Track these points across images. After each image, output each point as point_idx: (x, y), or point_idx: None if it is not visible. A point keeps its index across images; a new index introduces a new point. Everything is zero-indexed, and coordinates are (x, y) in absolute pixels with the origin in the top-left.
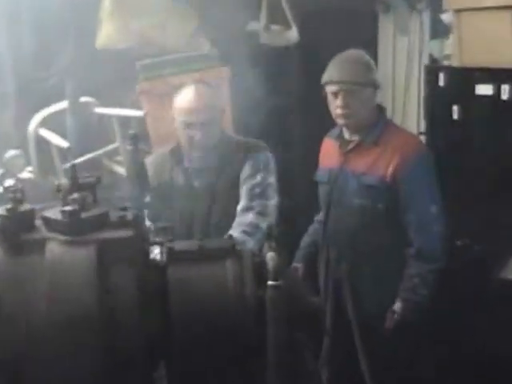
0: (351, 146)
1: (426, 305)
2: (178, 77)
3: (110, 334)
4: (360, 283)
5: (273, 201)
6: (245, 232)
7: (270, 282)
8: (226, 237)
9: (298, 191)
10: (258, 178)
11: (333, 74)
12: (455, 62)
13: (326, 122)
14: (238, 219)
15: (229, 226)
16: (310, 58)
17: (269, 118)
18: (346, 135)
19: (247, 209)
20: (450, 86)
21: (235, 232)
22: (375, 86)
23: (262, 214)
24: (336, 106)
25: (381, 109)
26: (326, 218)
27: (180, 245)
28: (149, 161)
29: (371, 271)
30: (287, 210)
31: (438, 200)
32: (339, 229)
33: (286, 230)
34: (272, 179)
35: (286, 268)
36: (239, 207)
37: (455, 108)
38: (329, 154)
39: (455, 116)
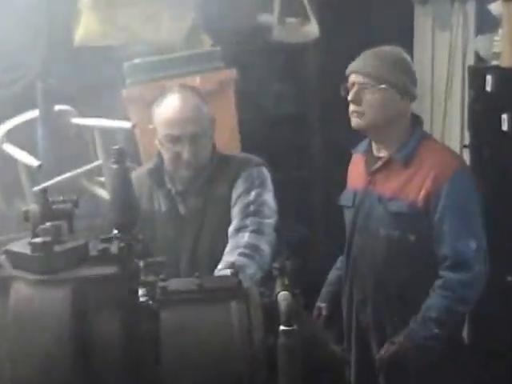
0: (379, 164)
1: (437, 349)
2: (174, 81)
3: None
4: (387, 329)
5: (270, 220)
6: (243, 254)
7: (282, 328)
8: (224, 265)
9: (315, 217)
10: (252, 195)
11: (354, 64)
12: (505, 62)
13: (352, 134)
14: (231, 241)
15: (220, 254)
16: (331, 58)
17: (282, 129)
18: (374, 150)
19: (240, 228)
20: (500, 91)
21: (231, 256)
22: (402, 89)
23: (257, 232)
24: (349, 99)
25: (416, 121)
26: (348, 249)
27: (175, 284)
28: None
29: (400, 315)
30: (301, 239)
31: (480, 234)
32: (363, 263)
33: (300, 263)
34: (268, 196)
35: (301, 310)
36: (231, 228)
37: (505, 117)
38: (356, 172)
39: (505, 126)
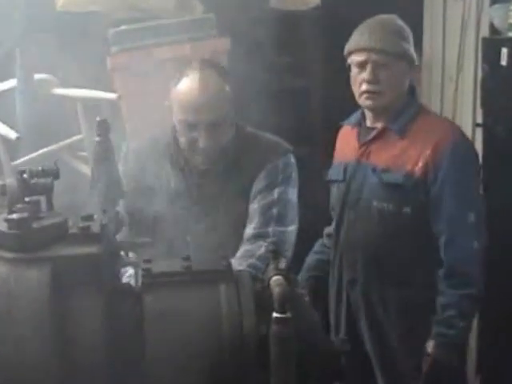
0: (372, 134)
1: (465, 341)
2: (163, 49)
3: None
4: (380, 312)
5: (293, 226)
6: (253, 267)
7: (275, 315)
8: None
9: (312, 197)
10: (276, 192)
11: (360, 40)
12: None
13: (356, 109)
14: (245, 247)
15: (230, 246)
16: (333, 27)
17: (279, 103)
18: (368, 121)
19: (259, 236)
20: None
21: (240, 265)
22: (410, 60)
23: (277, 244)
24: (362, 81)
25: (411, 90)
26: (338, 226)
27: (160, 265)
28: (131, 149)
29: (395, 297)
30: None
31: (479, 206)
32: (354, 240)
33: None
34: (292, 195)
35: (296, 296)
36: (248, 231)
37: (504, 51)
38: (346, 144)
39: (504, 62)
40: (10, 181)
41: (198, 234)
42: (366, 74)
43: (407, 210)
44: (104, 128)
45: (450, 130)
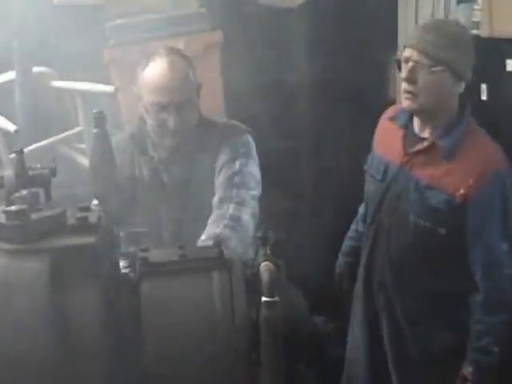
0: (419, 147)
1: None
2: (158, 42)
3: (66, 374)
4: (403, 323)
5: (254, 191)
6: (228, 227)
7: (264, 299)
8: (207, 236)
9: (302, 189)
10: (237, 165)
11: (411, 36)
12: (484, 32)
13: (342, 103)
14: (215, 212)
15: (204, 224)
16: (320, 23)
17: (269, 96)
18: (416, 127)
19: (224, 200)
20: (478, 61)
21: (216, 228)
22: (457, 71)
23: (241, 204)
24: (401, 79)
25: (464, 105)
26: (372, 224)
27: (156, 255)
28: None
29: (420, 313)
30: (288, 211)
31: (509, 234)
32: (386, 245)
33: (286, 235)
34: (253, 166)
35: (284, 282)
36: (215, 199)
37: (484, 87)
38: (388, 141)
39: (484, 96)
40: (8, 172)
41: (173, 218)
42: (403, 73)
43: (442, 230)
44: (101, 120)
45: (493, 158)
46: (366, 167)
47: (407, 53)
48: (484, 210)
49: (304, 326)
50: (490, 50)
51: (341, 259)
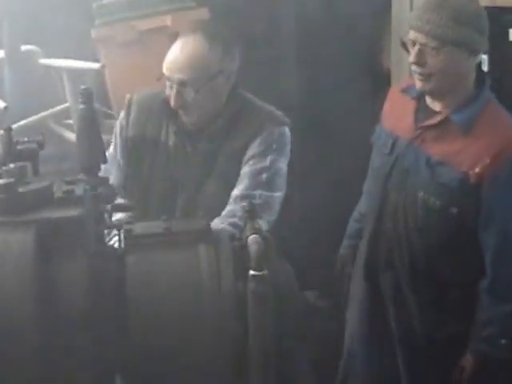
0: (432, 121)
1: (506, 357)
2: (145, 21)
3: (52, 345)
4: (411, 302)
5: (279, 193)
6: (234, 225)
7: (252, 272)
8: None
9: (294, 164)
10: (268, 160)
11: (414, 18)
12: (485, 1)
13: (328, 76)
14: (231, 206)
15: (219, 207)
16: None
17: (256, 72)
18: (429, 100)
19: (246, 198)
20: None
21: (222, 223)
22: (469, 47)
23: (263, 208)
24: (410, 62)
25: (482, 79)
26: (377, 201)
27: (141, 227)
28: (135, 100)
29: (424, 289)
30: None
31: None
32: (393, 222)
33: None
34: (283, 164)
35: (273, 255)
36: (237, 191)
37: (484, 57)
38: (397, 113)
39: (484, 67)
40: None
41: (188, 195)
42: (412, 56)
43: (454, 210)
44: (87, 96)
45: None
46: (372, 139)
47: (412, 35)
48: (499, 192)
49: (294, 300)
50: (492, 19)
51: (345, 242)
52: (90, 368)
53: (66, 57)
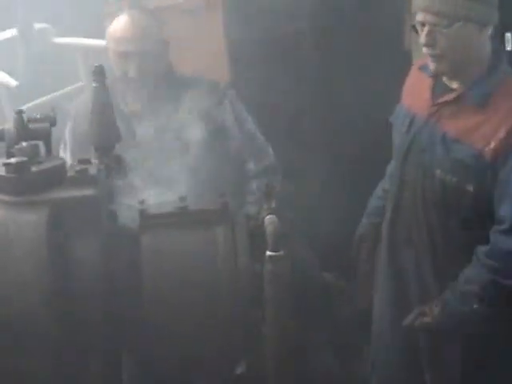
0: (448, 97)
1: (478, 327)
2: None
3: (66, 324)
4: (427, 276)
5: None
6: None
7: (269, 253)
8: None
9: (311, 140)
10: (250, 121)
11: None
12: None
13: (355, 52)
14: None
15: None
16: None
17: (278, 50)
18: (445, 78)
19: (260, 174)
20: (501, 8)
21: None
22: (480, 20)
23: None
24: (421, 43)
25: (499, 54)
26: (396, 178)
27: (157, 207)
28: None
29: (442, 265)
30: (298, 163)
31: None
32: (411, 200)
33: (294, 188)
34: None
35: (290, 236)
36: (252, 166)
37: (509, 36)
38: (415, 91)
39: (509, 46)
40: (9, 125)
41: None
42: (422, 38)
43: (470, 187)
44: (100, 74)
45: None
46: (391, 119)
47: (420, 17)
48: None
49: (313, 282)
50: None
51: (365, 220)
52: (101, 345)
53: (79, 35)
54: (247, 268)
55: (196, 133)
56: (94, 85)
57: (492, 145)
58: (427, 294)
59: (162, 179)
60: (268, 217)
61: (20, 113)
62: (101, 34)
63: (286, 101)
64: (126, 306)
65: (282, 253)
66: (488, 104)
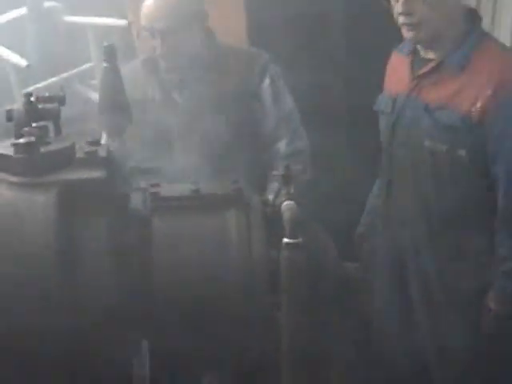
0: (426, 68)
1: None
2: None
3: (74, 308)
4: (425, 257)
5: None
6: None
7: (285, 240)
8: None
9: (337, 124)
10: (288, 99)
11: None
12: None
13: (380, 32)
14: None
15: (220, 150)
16: None
17: (301, 28)
18: (421, 51)
19: (295, 152)
20: None
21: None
22: None
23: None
24: (397, 13)
25: (473, 16)
26: (386, 161)
27: (168, 190)
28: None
29: (446, 243)
30: (319, 149)
31: None
32: (403, 178)
33: (318, 176)
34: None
35: (308, 223)
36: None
37: None
38: (396, 74)
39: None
40: (17, 105)
41: (185, 143)
42: (399, 7)
43: (462, 152)
44: (111, 53)
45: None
46: (375, 107)
47: None
48: (505, 121)
49: (332, 270)
50: None
51: (364, 219)
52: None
53: (90, 14)
54: (262, 254)
55: (233, 105)
56: (104, 65)
57: (479, 104)
58: (424, 269)
59: (198, 147)
60: (286, 203)
61: (28, 95)
62: (112, 13)
63: (310, 80)
64: (137, 289)
65: (299, 240)
66: (468, 67)
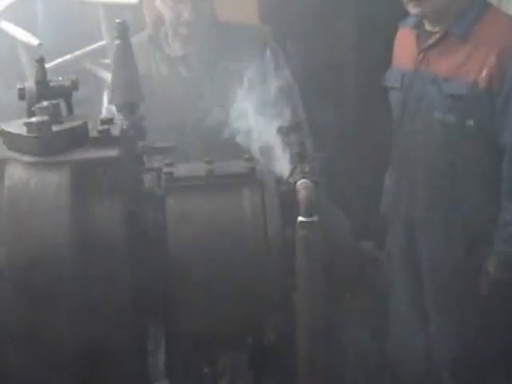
0: (432, 40)
1: None
2: None
3: (87, 287)
4: (440, 229)
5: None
6: None
7: (300, 218)
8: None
9: (350, 105)
10: (288, 75)
11: None
12: None
13: (391, 7)
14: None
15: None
16: None
17: (313, 4)
18: (427, 23)
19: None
20: None
21: None
22: None
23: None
24: None
25: None
26: (397, 135)
27: (182, 169)
28: None
29: (456, 214)
30: (333, 131)
31: None
32: (414, 150)
33: (332, 156)
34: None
35: (324, 201)
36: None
37: None
38: (403, 49)
39: None
40: (29, 83)
41: (192, 117)
42: None
43: (470, 122)
44: (123, 31)
45: None
46: (384, 82)
47: None
48: (511, 89)
49: (347, 249)
50: None
51: (384, 199)
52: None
53: None
54: (277, 233)
55: (238, 81)
56: (116, 42)
57: (484, 72)
58: (434, 244)
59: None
60: (300, 181)
61: (41, 61)
62: None
63: (324, 59)
64: (152, 268)
65: (314, 218)
66: (473, 36)
